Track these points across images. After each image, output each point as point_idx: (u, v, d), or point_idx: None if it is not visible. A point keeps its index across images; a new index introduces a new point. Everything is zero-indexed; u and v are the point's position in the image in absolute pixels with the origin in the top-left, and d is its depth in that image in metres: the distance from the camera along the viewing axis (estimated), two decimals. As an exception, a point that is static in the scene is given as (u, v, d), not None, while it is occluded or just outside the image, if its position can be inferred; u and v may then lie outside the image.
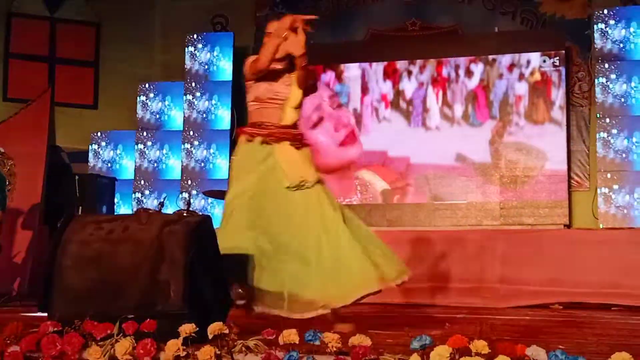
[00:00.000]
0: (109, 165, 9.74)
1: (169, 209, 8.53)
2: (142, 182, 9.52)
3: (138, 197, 9.47)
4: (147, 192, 9.48)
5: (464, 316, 5.47)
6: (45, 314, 3.34)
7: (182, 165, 9.44)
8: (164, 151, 9.58)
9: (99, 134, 9.77)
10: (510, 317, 5.49)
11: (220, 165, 9.34)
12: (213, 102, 9.48)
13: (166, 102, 9.70)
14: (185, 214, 7.22)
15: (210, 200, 8.99)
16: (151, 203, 9.23)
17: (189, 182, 9.35)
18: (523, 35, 8.80)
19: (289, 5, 9.64)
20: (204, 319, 3.15)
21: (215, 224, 3.83)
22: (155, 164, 9.60)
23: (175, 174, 9.50)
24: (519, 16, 8.91)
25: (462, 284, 7.53)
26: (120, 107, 10.03)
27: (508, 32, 8.81)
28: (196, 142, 9.41)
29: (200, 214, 8.22)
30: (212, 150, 9.38)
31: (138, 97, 9.71)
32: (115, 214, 9.08)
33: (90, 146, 9.73)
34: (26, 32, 10.02)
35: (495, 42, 8.71)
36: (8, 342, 3.00)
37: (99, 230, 3.41)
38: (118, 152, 9.78)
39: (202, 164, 9.40)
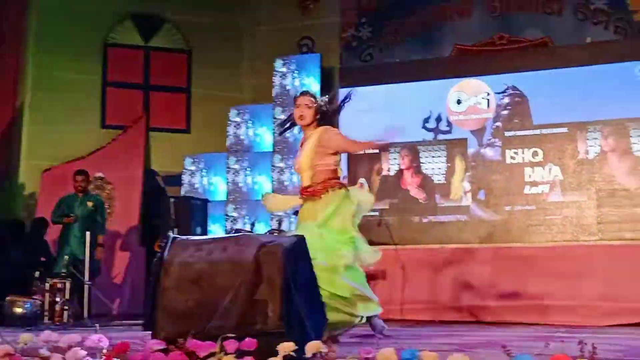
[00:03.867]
0: (202, 187, 9.99)
1: (260, 229, 8.67)
2: (234, 203, 9.71)
3: (230, 218, 9.65)
4: (238, 213, 9.66)
5: (563, 335, 5.34)
6: (149, 333, 3.45)
7: (272, 186, 9.59)
8: (255, 172, 9.75)
9: (191, 157, 10.04)
10: (612, 336, 5.33)
11: (310, 185, 9.42)
12: (302, 123, 9.60)
13: (256, 125, 9.90)
14: (277, 234, 7.35)
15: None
16: (243, 224, 9.39)
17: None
18: (617, 44, 8.57)
19: (374, 25, 9.71)
20: (302, 337, 3.20)
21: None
22: (246, 185, 9.78)
23: (268, 190, 9.65)
24: (612, 25, 8.69)
25: (560, 302, 7.36)
26: (212, 131, 10.30)
27: (601, 42, 8.59)
28: (286, 163, 9.54)
29: (293, 234, 8.32)
30: (301, 171, 9.49)
31: (228, 120, 9.94)
32: (209, 234, 9.30)
33: (183, 169, 10.00)
34: (122, 61, 10.43)
35: (587, 53, 8.50)
36: (116, 360, 3.11)
37: (199, 251, 3.52)
38: (210, 174, 10.02)
39: (292, 185, 9.52)
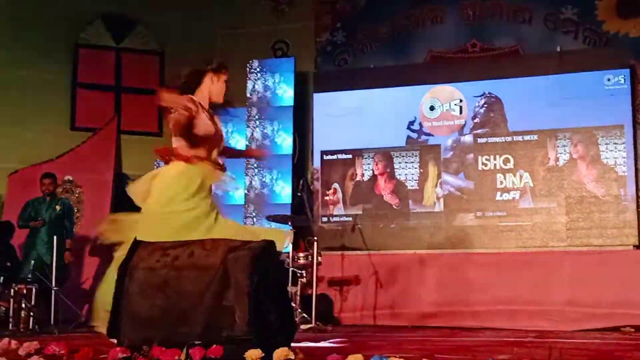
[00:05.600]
0: (173, 191, 9.87)
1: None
2: (206, 207, 9.61)
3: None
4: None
5: (531, 340, 5.36)
6: (114, 340, 3.39)
7: (245, 190, 9.53)
8: (228, 177, 9.68)
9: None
10: (580, 341, 5.36)
11: (283, 190, 9.40)
12: (275, 127, 9.57)
13: (229, 129, 9.82)
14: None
15: (272, 224, 9.04)
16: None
17: (252, 207, 9.43)
18: (586, 54, 8.65)
19: (349, 30, 9.72)
20: (269, 344, 3.17)
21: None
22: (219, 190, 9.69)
23: (239, 199, 9.59)
24: (581, 35, 8.77)
25: (529, 307, 7.41)
26: (184, 134, 10.16)
27: (570, 51, 8.66)
28: (259, 168, 9.49)
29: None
30: (274, 175, 9.45)
31: (201, 124, 9.84)
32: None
33: (155, 173, 9.88)
34: (93, 62, 10.27)
35: (557, 62, 8.57)
36: (79, 367, 3.06)
37: (165, 256, 3.46)
38: (182, 178, 9.90)
39: (265, 189, 9.47)
